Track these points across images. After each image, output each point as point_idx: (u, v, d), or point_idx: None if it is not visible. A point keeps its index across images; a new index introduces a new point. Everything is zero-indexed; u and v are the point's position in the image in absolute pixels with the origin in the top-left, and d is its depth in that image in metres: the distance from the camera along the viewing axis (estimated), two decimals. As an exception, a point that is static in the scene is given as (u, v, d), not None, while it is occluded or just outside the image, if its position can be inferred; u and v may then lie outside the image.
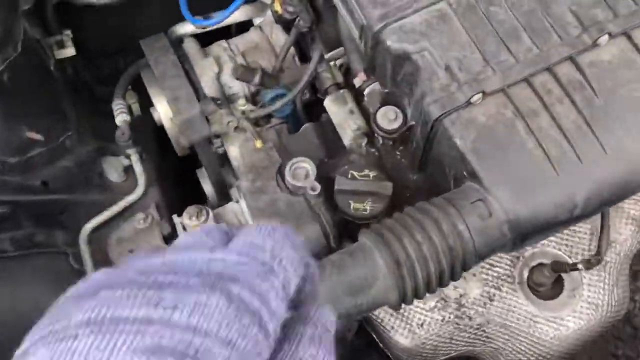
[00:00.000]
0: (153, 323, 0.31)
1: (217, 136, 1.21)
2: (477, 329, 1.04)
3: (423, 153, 0.86)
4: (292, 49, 1.22)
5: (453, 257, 0.74)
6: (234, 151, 1.22)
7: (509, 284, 1.05)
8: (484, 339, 1.05)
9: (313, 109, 1.17)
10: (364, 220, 0.91)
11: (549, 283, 1.05)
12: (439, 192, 0.92)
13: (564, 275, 1.05)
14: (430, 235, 0.72)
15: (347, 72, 1.13)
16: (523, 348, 1.04)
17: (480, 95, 0.76)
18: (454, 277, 0.76)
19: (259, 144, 1.00)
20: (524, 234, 0.76)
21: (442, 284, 0.76)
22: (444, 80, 0.79)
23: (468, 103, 0.77)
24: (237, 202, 1.11)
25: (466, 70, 0.78)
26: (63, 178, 1.13)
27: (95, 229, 1.14)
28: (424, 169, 0.91)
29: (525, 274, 1.06)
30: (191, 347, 0.31)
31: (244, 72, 1.07)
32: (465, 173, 0.77)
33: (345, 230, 0.96)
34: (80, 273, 1.11)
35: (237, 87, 1.21)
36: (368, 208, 0.90)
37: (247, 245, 0.37)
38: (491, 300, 1.04)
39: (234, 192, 1.12)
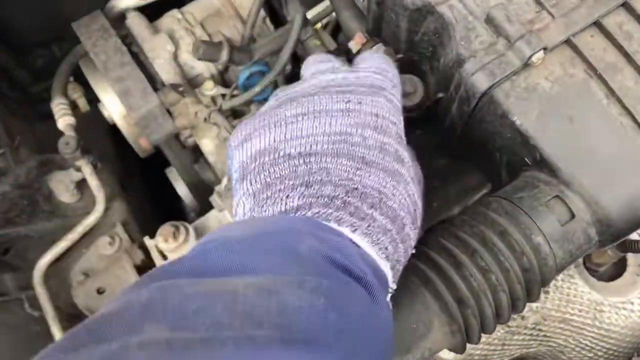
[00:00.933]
0: (350, 112, 0.52)
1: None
2: (533, 328, 0.86)
3: (460, 134, 0.65)
4: (262, 11, 0.99)
5: (529, 280, 0.54)
6: (207, 145, 1.00)
7: (565, 271, 0.87)
8: (542, 338, 0.87)
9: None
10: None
11: (610, 262, 0.87)
12: (478, 180, 0.72)
13: (626, 250, 0.87)
14: (498, 256, 0.53)
15: (335, 32, 0.91)
16: (589, 343, 0.87)
17: (541, 52, 0.55)
18: (530, 299, 0.57)
19: (240, 144, 0.78)
20: (616, 234, 0.56)
21: (516, 312, 0.57)
22: (487, 37, 0.57)
23: (525, 65, 0.56)
24: (221, 210, 0.90)
25: (516, 20, 0.57)
26: (1, 209, 0.91)
27: (52, 264, 0.92)
28: (458, 153, 0.70)
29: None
30: (378, 124, 0.52)
31: (206, 50, 0.84)
32: (528, 160, 0.57)
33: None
34: (40, 320, 0.90)
35: (200, 67, 0.98)
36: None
37: (378, 68, 0.58)
38: (546, 292, 0.86)
39: (214, 199, 0.90)
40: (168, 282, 0.35)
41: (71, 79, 1.07)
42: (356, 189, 0.47)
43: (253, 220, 0.45)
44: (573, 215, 0.54)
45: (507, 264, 0.53)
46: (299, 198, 0.46)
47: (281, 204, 0.47)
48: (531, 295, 0.55)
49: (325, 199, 0.46)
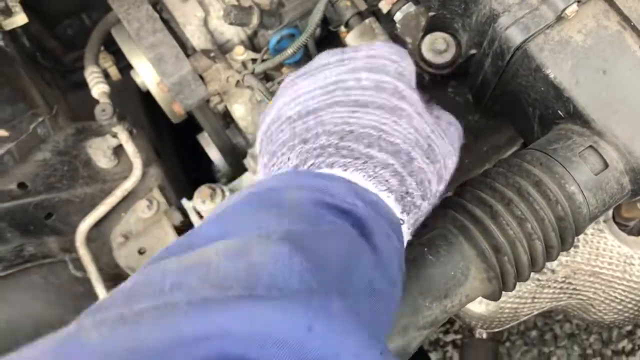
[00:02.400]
0: (344, 60, 0.55)
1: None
2: (563, 282, 0.88)
3: (493, 90, 0.66)
4: (290, -26, 0.99)
5: (563, 228, 0.56)
6: (239, 110, 1.02)
7: (594, 224, 0.88)
8: (571, 291, 0.89)
9: (327, 46, 0.96)
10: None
11: (639, 217, 0.88)
12: (508, 137, 0.73)
13: (656, 203, 0.88)
14: (534, 205, 0.54)
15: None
16: (618, 296, 0.88)
17: (575, 5, 0.56)
18: (564, 249, 0.58)
19: (274, 105, 0.80)
20: (649, 182, 0.57)
21: (550, 259, 0.58)
22: (520, -9, 0.58)
23: (559, 18, 0.57)
24: (255, 173, 0.92)
25: (549, -26, 0.57)
26: (42, 175, 0.94)
27: (93, 227, 0.96)
28: (490, 109, 0.72)
29: (611, 210, 0.88)
30: (373, 64, 0.54)
31: (237, 15, 0.86)
32: (561, 113, 0.58)
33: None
34: (85, 280, 0.94)
35: (230, 33, 0.99)
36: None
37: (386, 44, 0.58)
38: (576, 246, 0.87)
39: (247, 162, 0.93)
40: (155, 264, 0.37)
41: (102, 48, 1.10)
42: (352, 131, 0.49)
43: (248, 187, 0.48)
44: (606, 165, 0.56)
45: (542, 213, 0.54)
46: (297, 157, 0.49)
47: (283, 167, 0.49)
48: (565, 243, 0.57)
49: (319, 150, 0.48)
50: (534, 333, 1.72)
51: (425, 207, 0.52)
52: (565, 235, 0.56)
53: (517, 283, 0.86)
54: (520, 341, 1.73)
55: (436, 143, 0.53)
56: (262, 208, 0.42)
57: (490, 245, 0.54)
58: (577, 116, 0.57)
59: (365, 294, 0.41)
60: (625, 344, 1.66)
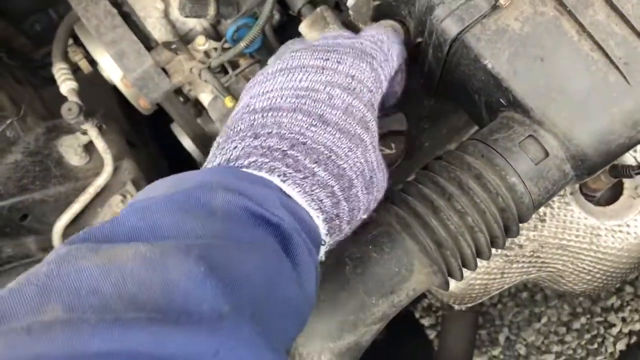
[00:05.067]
0: (325, 69, 0.54)
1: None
2: (531, 256, 0.89)
3: (440, 79, 0.66)
4: (247, -41, 0.98)
5: (506, 218, 0.56)
6: (206, 99, 1.02)
7: (560, 197, 0.88)
8: (540, 264, 0.90)
9: (288, 31, 0.95)
10: (391, 165, 0.73)
11: (605, 187, 0.88)
12: (466, 119, 0.73)
13: (622, 173, 0.88)
14: (474, 199, 0.55)
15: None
16: (586, 267, 0.89)
17: (508, -6, 0.55)
18: (509, 236, 0.59)
19: (228, 102, 0.80)
20: (591, 167, 0.58)
21: (497, 247, 0.59)
22: (455, -18, 0.57)
23: (494, 7, 0.56)
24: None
25: (483, -38, 0.57)
26: (14, 177, 0.95)
27: (70, 225, 0.97)
28: (442, 95, 0.71)
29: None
30: (351, 86, 0.53)
31: (192, 8, 0.85)
32: (503, 102, 0.58)
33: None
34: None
35: (192, 22, 0.98)
36: (389, 150, 0.72)
37: (374, 37, 0.60)
38: (542, 221, 0.88)
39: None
40: (67, 251, 0.36)
41: (71, 41, 1.09)
42: (304, 143, 0.49)
43: (176, 176, 0.47)
44: (547, 154, 0.56)
45: (483, 206, 0.55)
46: (242, 148, 0.49)
47: (227, 154, 0.49)
48: (510, 232, 0.58)
49: (265, 150, 0.48)
50: (525, 294, 1.75)
51: (347, 231, 0.53)
52: (509, 224, 0.57)
53: (486, 260, 0.87)
54: (511, 303, 1.75)
55: (378, 177, 0.54)
56: (190, 210, 0.42)
57: (432, 240, 0.55)
58: (517, 105, 0.57)
59: (279, 312, 0.41)
60: (614, 300, 1.68)
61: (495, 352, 1.71)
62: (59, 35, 1.06)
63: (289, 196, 0.47)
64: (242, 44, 0.80)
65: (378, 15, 0.71)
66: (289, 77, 0.54)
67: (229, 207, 0.43)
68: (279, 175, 0.47)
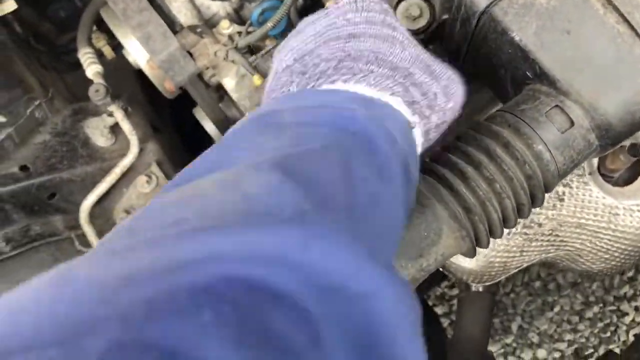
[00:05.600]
0: (329, 12, 0.55)
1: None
2: (550, 234, 0.91)
3: (466, 54, 0.68)
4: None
5: (532, 186, 0.58)
6: (229, 83, 1.04)
7: (579, 177, 0.90)
8: (559, 243, 0.92)
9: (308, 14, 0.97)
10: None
11: (624, 167, 0.90)
12: (489, 97, 0.75)
13: (640, 154, 0.89)
14: (502, 166, 0.57)
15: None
16: (604, 245, 0.91)
17: (536, -33, 0.57)
18: (535, 206, 0.61)
19: (257, 80, 0.82)
20: (616, 137, 0.59)
21: (522, 216, 0.61)
22: (484, -43, 0.59)
23: (521, -18, 0.58)
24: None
25: (511, -63, 0.58)
26: (43, 156, 0.97)
27: (96, 205, 1.00)
28: (467, 71, 0.73)
29: (596, 162, 0.90)
30: (357, 6, 0.54)
31: (220, -11, 0.87)
32: (529, 74, 0.60)
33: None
34: (92, 256, 0.98)
35: (216, 6, 1.00)
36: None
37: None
38: (561, 200, 0.89)
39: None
40: (157, 198, 0.38)
41: (94, 28, 1.11)
42: (349, 55, 0.50)
43: (248, 114, 0.49)
44: (572, 123, 0.58)
45: (511, 173, 0.57)
46: (297, 85, 0.50)
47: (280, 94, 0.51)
48: (535, 200, 0.60)
49: (318, 74, 0.49)
50: (537, 283, 1.76)
51: (435, 120, 0.53)
52: (535, 192, 0.59)
53: (506, 237, 0.89)
54: (524, 292, 1.77)
55: (437, 67, 0.54)
56: (261, 131, 0.43)
57: (461, 205, 0.56)
58: (543, 77, 0.58)
59: (363, 206, 0.41)
60: (627, 289, 1.69)
61: (508, 340, 1.73)
62: (83, 20, 1.09)
63: (357, 92, 0.48)
64: (269, 24, 0.82)
65: (404, -6, 0.72)
66: (303, 33, 0.55)
67: (300, 122, 0.44)
68: (341, 81, 0.48)
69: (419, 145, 0.52)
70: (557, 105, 0.58)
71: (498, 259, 0.91)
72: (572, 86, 0.57)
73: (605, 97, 0.57)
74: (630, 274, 1.70)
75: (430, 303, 1.73)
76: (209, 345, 0.26)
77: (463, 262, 0.91)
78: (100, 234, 0.98)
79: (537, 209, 0.89)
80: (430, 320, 1.69)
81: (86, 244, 0.98)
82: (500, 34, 0.59)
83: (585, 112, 0.57)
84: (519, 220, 0.62)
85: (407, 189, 0.47)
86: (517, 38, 0.58)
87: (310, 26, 0.55)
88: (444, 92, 0.53)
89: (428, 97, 0.52)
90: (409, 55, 0.52)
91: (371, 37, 0.52)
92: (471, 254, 0.60)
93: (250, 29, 0.95)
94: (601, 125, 0.58)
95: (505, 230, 0.86)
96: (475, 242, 0.59)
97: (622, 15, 0.57)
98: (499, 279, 0.96)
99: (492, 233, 0.59)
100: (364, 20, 0.53)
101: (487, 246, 0.60)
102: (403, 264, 0.57)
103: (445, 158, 0.59)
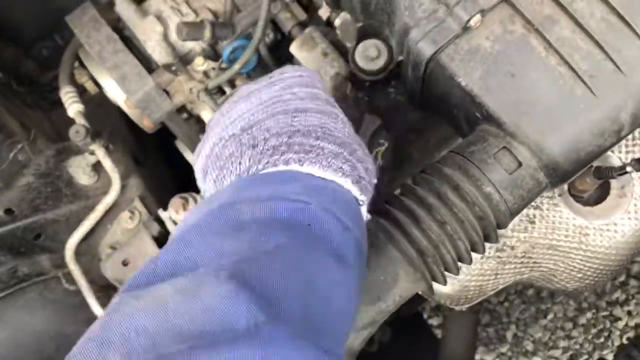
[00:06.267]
0: (274, 82, 0.59)
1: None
2: (523, 257, 0.92)
3: (421, 94, 0.70)
4: (242, -19, 1.02)
5: (484, 226, 0.60)
6: (207, 116, 1.07)
7: (549, 199, 0.92)
8: (532, 264, 0.93)
9: (282, 50, 0.99)
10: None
11: (592, 189, 0.91)
12: (452, 130, 0.77)
13: (608, 174, 0.91)
14: (453, 209, 0.59)
15: (310, 1, 0.94)
16: (577, 265, 0.92)
17: (478, 15, 0.59)
18: (489, 242, 0.63)
19: (226, 122, 0.84)
20: (563, 175, 0.61)
21: (478, 252, 0.63)
22: (429, 5, 0.61)
23: (465, 29, 0.60)
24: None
25: (453, -13, 0.60)
26: (27, 198, 1.00)
27: (82, 242, 1.02)
28: (426, 108, 0.75)
29: (565, 185, 0.92)
30: (302, 81, 0.59)
31: (189, 31, 0.89)
32: (479, 115, 0.62)
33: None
34: (78, 292, 1.01)
35: (190, 44, 1.03)
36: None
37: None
38: (532, 222, 0.91)
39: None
40: (117, 302, 0.41)
41: (77, 64, 1.14)
42: (298, 130, 0.52)
43: (204, 201, 0.50)
44: (520, 164, 0.59)
45: (461, 215, 0.58)
46: (249, 159, 0.51)
47: (234, 173, 0.52)
48: (489, 238, 0.61)
49: (271, 150, 0.51)
50: (530, 291, 1.78)
51: (372, 190, 0.55)
52: (488, 231, 0.60)
53: (474, 260, 0.91)
54: (518, 300, 1.78)
55: (363, 146, 0.57)
56: (220, 230, 0.45)
57: (415, 249, 0.58)
58: (490, 119, 0.60)
59: (324, 301, 0.43)
60: (618, 294, 1.70)
61: (504, 349, 1.74)
62: (64, 60, 1.11)
63: (311, 175, 0.50)
64: (236, 66, 0.84)
65: (362, 35, 0.74)
66: (248, 101, 0.57)
67: (256, 215, 0.46)
68: (295, 162, 0.50)
69: (365, 219, 0.54)
70: (504, 147, 0.60)
71: (473, 283, 0.93)
72: (518, 128, 0.59)
73: (550, 138, 0.59)
74: (622, 278, 1.71)
75: (425, 315, 1.75)
76: None
77: (439, 287, 0.93)
78: (86, 271, 1.00)
79: (509, 232, 0.91)
80: (424, 333, 1.71)
81: (73, 281, 1.01)
82: (448, 79, 0.61)
83: (532, 152, 0.59)
84: (486, 246, 0.64)
85: (361, 265, 0.50)
86: (463, 83, 0.60)
87: (256, 95, 0.56)
88: (372, 167, 0.56)
89: (368, 173, 0.54)
90: (349, 132, 0.54)
91: (317, 112, 0.54)
92: (429, 292, 0.62)
93: (223, 66, 0.98)
94: (548, 164, 0.59)
95: (478, 255, 0.89)
96: (432, 281, 0.61)
97: (562, 57, 0.59)
98: (477, 301, 0.97)
99: (449, 270, 0.61)
100: (310, 95, 0.55)
101: (444, 284, 0.62)
102: (363, 307, 0.59)
103: (400, 201, 0.61)
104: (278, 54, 0.99)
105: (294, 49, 0.83)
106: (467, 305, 0.99)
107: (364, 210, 0.53)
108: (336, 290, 0.46)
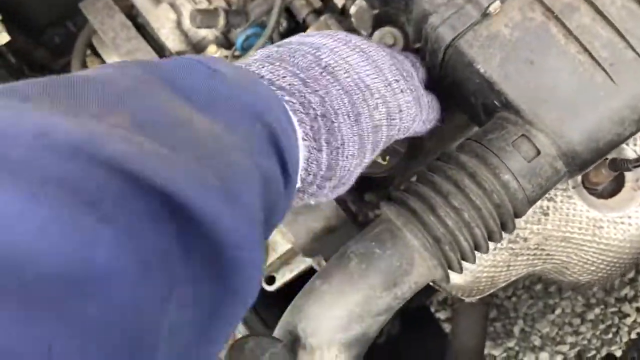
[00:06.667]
0: None
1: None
2: (536, 248, 0.92)
3: (438, 82, 0.69)
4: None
5: (501, 214, 0.60)
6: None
7: (563, 191, 0.91)
8: (545, 257, 0.93)
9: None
10: (381, 175, 0.76)
11: (607, 180, 0.91)
12: (467, 119, 0.77)
13: (623, 166, 0.90)
14: (470, 196, 0.58)
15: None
16: (590, 258, 0.92)
17: (498, 2, 0.59)
18: (506, 231, 0.62)
19: (240, 108, 0.84)
20: (582, 164, 0.61)
21: (495, 241, 0.63)
22: (447, -9, 0.61)
23: (484, 16, 0.59)
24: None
25: (473, -28, 0.60)
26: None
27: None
28: (443, 96, 0.75)
29: (579, 176, 0.91)
30: None
31: (203, 18, 0.89)
32: (497, 103, 0.62)
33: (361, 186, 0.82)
34: None
35: (203, 31, 1.02)
36: (382, 160, 0.75)
37: None
38: (545, 214, 0.90)
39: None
40: None
41: (88, 52, 1.14)
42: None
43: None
44: (538, 152, 0.59)
45: (479, 202, 0.58)
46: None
47: None
48: (506, 227, 0.61)
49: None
50: (538, 286, 1.77)
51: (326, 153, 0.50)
52: (505, 220, 0.60)
53: (492, 252, 0.90)
54: (526, 295, 1.78)
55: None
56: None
57: (431, 236, 0.58)
58: (509, 106, 0.60)
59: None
60: (627, 290, 1.70)
61: (511, 344, 1.74)
62: (77, 47, 1.11)
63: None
64: (250, 54, 0.84)
65: (378, 22, 0.74)
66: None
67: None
68: None
69: (301, 148, 0.48)
70: (523, 135, 0.59)
71: (485, 274, 0.92)
72: (537, 115, 0.59)
73: (569, 126, 0.58)
74: (631, 275, 1.70)
75: (432, 309, 1.75)
76: None
77: (451, 278, 0.93)
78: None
79: (522, 224, 0.91)
80: (432, 326, 1.71)
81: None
82: (467, 66, 0.61)
83: (551, 140, 0.59)
84: (503, 235, 0.63)
85: (255, 138, 0.42)
86: (482, 70, 0.60)
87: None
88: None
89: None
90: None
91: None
92: (445, 280, 0.61)
93: (236, 54, 0.98)
94: (567, 152, 0.59)
95: (491, 246, 0.88)
96: (448, 269, 0.61)
97: (582, 45, 0.58)
98: (488, 293, 0.97)
99: (465, 259, 0.61)
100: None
101: (460, 272, 0.61)
102: (379, 293, 0.59)
103: (416, 188, 0.61)
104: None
105: (309, 36, 0.83)
106: (478, 297, 0.98)
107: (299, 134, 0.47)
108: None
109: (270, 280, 1.02)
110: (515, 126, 0.60)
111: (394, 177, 0.79)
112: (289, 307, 0.63)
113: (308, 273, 1.00)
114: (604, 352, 1.67)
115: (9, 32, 1.02)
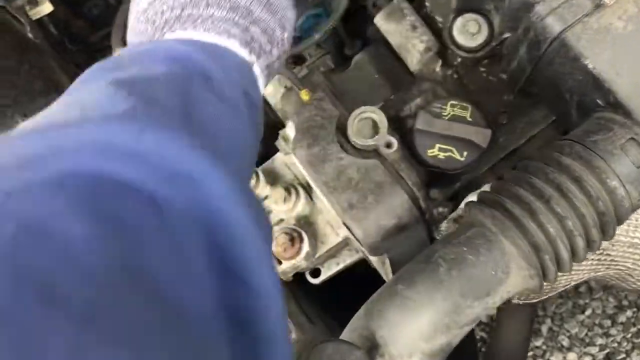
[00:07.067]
0: None
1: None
2: (601, 254, 0.87)
3: (529, 75, 0.64)
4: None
5: (605, 222, 0.55)
6: (268, 88, 1.02)
7: (632, 195, 0.87)
8: (609, 262, 0.89)
9: (356, 20, 0.94)
10: (455, 171, 0.72)
11: (680, 184, 0.86)
12: (544, 113, 0.72)
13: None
14: (574, 202, 0.54)
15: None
16: (658, 266, 0.88)
17: (615, -8, 0.54)
18: (606, 239, 0.58)
19: (305, 95, 0.79)
20: (693, 171, 0.56)
21: (592, 251, 0.58)
22: (557, -22, 0.56)
23: (597, 6, 0.55)
24: (287, 153, 0.92)
25: (588, -41, 0.55)
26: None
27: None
28: (526, 92, 0.70)
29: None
30: None
31: (263, -3, 0.84)
32: (600, 102, 0.57)
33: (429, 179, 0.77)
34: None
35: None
36: (459, 156, 0.71)
37: None
38: (613, 218, 0.86)
39: (279, 142, 0.93)
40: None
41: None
42: (191, 0, 0.51)
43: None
44: (649, 157, 0.55)
45: (583, 210, 0.54)
46: (147, 38, 0.50)
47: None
48: (606, 235, 0.57)
49: (163, 24, 0.50)
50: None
51: (276, 53, 0.54)
52: (607, 228, 0.56)
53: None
54: (554, 294, 1.74)
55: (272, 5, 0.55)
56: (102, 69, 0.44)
57: (531, 243, 0.54)
58: (617, 106, 0.55)
59: (205, 122, 0.41)
60: (661, 294, 1.66)
61: (538, 343, 1.70)
62: (117, 21, 1.06)
63: (192, 39, 0.49)
64: (316, 36, 0.79)
65: (461, 7, 0.69)
66: None
67: (137, 57, 0.45)
68: (181, 30, 0.49)
69: (260, 78, 0.52)
70: (632, 138, 0.55)
71: (546, 278, 0.88)
72: (649, 118, 0.54)
73: (684, 130, 0.54)
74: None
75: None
76: (67, 223, 0.28)
77: (510, 280, 0.89)
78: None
79: (589, 227, 0.86)
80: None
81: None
82: (572, 60, 0.56)
83: (663, 145, 0.54)
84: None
85: (251, 111, 0.48)
86: (590, 65, 0.55)
87: None
88: (280, 24, 0.55)
89: (267, 33, 0.53)
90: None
91: None
92: (537, 291, 0.57)
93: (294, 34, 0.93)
94: (679, 158, 0.55)
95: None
96: (544, 279, 0.56)
97: None
98: (545, 297, 0.93)
99: (561, 269, 0.56)
100: None
101: (554, 282, 0.57)
102: (469, 302, 0.55)
103: (511, 189, 0.56)
104: (351, 25, 0.94)
105: (379, 19, 0.78)
106: (534, 300, 0.95)
107: (257, 69, 0.52)
108: (224, 119, 0.44)
109: (316, 272, 0.98)
110: (623, 128, 0.55)
111: (463, 173, 0.74)
112: (364, 310, 0.59)
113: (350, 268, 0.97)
114: (634, 356, 1.63)
115: (51, 2, 0.98)
